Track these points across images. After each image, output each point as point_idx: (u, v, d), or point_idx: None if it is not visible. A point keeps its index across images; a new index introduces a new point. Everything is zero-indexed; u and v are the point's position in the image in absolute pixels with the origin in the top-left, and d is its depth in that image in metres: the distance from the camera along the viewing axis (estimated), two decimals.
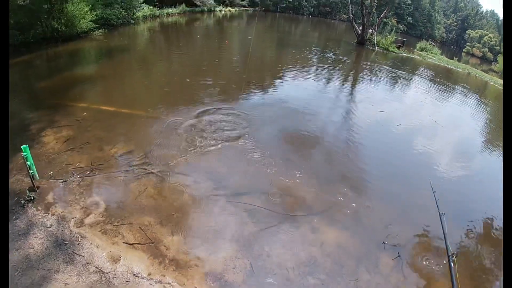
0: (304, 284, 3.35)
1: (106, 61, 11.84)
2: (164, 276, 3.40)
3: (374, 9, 22.38)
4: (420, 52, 23.82)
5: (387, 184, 5.22)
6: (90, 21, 14.76)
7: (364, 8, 21.78)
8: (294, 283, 3.36)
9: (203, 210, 4.32)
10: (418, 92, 9.99)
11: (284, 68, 11.53)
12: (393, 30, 26.63)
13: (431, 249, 4.02)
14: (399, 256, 3.77)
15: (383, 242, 3.93)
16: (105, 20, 16.81)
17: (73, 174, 4.95)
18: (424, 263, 3.77)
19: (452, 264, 2.99)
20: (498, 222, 4.96)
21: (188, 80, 9.72)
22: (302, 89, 9.61)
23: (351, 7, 27.57)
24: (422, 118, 7.89)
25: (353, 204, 4.60)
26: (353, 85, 9.91)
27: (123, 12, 18.26)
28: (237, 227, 4.05)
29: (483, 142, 8.81)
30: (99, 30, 15.85)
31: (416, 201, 4.91)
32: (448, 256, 3.13)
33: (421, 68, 12.32)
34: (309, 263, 3.59)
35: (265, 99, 8.39)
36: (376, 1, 22.05)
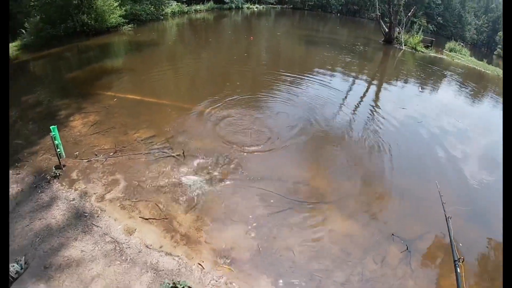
0: (308, 268, 3.43)
1: (135, 54, 12.26)
2: (174, 249, 3.61)
3: (401, 8, 21.79)
4: (449, 53, 22.88)
5: (401, 180, 5.16)
6: (120, 16, 15.34)
7: (391, 6, 21.26)
8: (298, 266, 3.45)
9: (217, 192, 4.51)
10: (443, 92, 9.71)
11: (312, 67, 11.51)
12: (421, 29, 25.70)
13: (441, 246, 3.96)
14: (407, 249, 3.75)
15: (392, 234, 3.93)
16: (134, 15, 17.41)
17: (97, 155, 5.29)
18: (433, 259, 3.73)
19: (458, 268, 2.83)
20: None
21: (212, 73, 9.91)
22: (327, 88, 9.58)
23: (378, 5, 26.96)
24: (445, 118, 7.70)
25: (365, 196, 4.64)
26: (378, 84, 9.79)
27: (151, 8, 18.87)
28: (248, 209, 4.21)
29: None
30: (129, 25, 16.46)
31: (430, 199, 4.70)
32: (454, 261, 2.94)
33: (448, 69, 11.92)
34: (315, 249, 3.67)
35: (292, 96, 8.45)
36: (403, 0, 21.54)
